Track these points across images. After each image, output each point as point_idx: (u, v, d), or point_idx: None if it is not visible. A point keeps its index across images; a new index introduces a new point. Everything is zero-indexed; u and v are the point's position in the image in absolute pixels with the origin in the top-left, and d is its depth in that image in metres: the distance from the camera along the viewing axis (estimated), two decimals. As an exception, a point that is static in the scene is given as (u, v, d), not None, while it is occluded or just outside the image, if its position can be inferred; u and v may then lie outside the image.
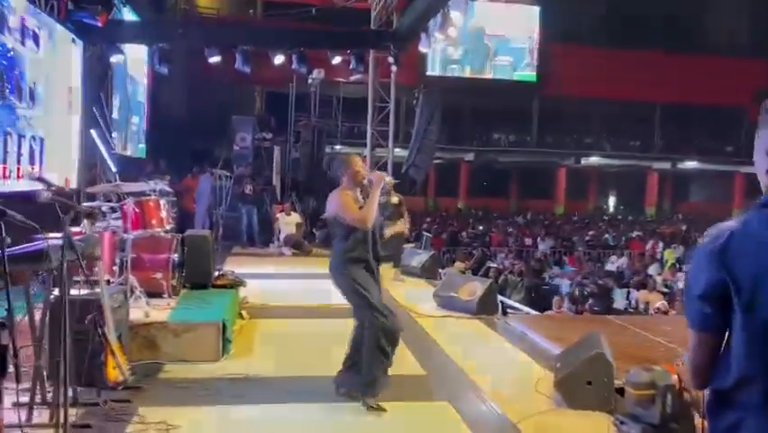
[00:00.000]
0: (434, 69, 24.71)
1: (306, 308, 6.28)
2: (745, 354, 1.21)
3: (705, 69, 25.80)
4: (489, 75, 25.57)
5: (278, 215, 10.82)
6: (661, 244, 15.22)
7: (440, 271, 9.06)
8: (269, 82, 20.23)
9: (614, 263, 13.42)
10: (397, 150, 15.62)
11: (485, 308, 6.16)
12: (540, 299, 9.42)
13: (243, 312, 5.74)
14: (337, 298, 6.68)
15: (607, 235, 17.81)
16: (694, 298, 1.27)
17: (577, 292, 9.06)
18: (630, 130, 27.67)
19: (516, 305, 7.85)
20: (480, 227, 19.36)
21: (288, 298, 6.77)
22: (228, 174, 10.29)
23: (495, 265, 11.38)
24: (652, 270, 11.55)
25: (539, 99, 27.07)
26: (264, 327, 5.50)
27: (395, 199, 7.96)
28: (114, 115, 10.47)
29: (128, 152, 11.62)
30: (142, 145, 12.82)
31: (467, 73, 25.21)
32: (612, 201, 33.31)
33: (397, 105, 13.41)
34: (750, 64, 26.00)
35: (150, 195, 5.17)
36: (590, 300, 8.39)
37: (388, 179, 3.76)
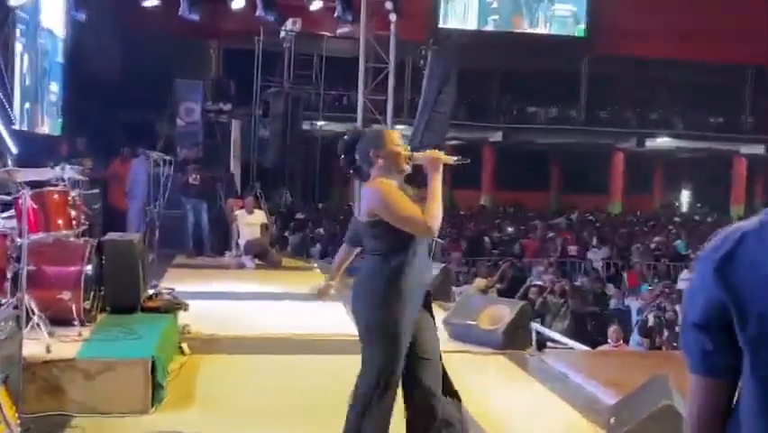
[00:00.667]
0: (448, 21, 24.72)
1: (272, 341, 6.24)
2: (756, 411, 1.16)
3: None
4: (523, 28, 25.59)
5: (237, 212, 10.80)
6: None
7: (454, 289, 9.00)
8: (228, 36, 20.20)
9: (686, 280, 13.35)
10: (398, 126, 15.60)
11: (514, 340, 6.15)
12: (594, 328, 9.37)
13: (184, 346, 5.70)
14: (319, 326, 6.77)
15: (679, 242, 17.76)
16: (689, 327, 1.24)
17: (651, 320, 8.99)
18: (710, 102, 27.70)
19: (558, 336, 7.79)
20: (510, 230, 19.30)
21: (248, 326, 6.71)
22: (169, 158, 10.21)
23: (539, 283, 11.31)
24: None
25: (589, 61, 27.05)
26: (212, 366, 5.45)
27: (410, 192, 7.90)
28: (27, 81, 10.39)
29: (45, 129, 11.54)
30: (61, 120, 12.78)
31: (491, 25, 25.25)
32: (686, 197, 33.33)
33: (398, 68, 13.36)
34: None
35: (56, 185, 5.07)
36: (667, 332, 8.33)
37: (450, 157, 3.33)
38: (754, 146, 27.80)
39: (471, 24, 25.29)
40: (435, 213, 3.14)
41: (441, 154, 3.30)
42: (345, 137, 3.39)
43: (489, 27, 25.50)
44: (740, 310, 1.16)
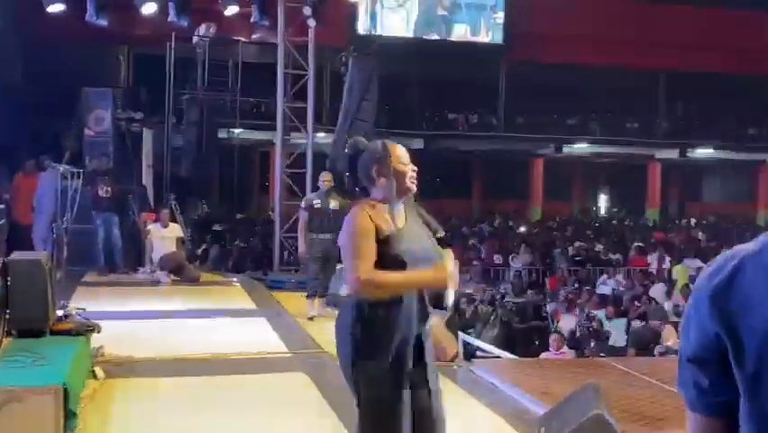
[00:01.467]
0: (368, 27, 24.80)
1: (192, 362, 6.10)
2: None
3: (724, 25, 27.01)
4: (441, 34, 25.90)
5: (151, 226, 10.54)
6: (668, 259, 15.71)
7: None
8: (139, 41, 19.71)
9: (607, 285, 13.71)
10: (319, 135, 15.51)
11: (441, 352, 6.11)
12: (525, 337, 9.47)
13: (98, 370, 5.52)
14: (242, 344, 6.66)
15: (600, 247, 18.26)
16: (684, 362, 1.15)
17: (578, 331, 9.15)
18: (626, 108, 28.60)
19: (488, 347, 7.85)
20: (433, 239, 19.43)
21: (166, 346, 6.52)
22: (77, 170, 9.86)
23: (469, 291, 11.38)
24: (655, 292, 11.86)
25: (506, 67, 27.60)
26: (129, 391, 5.29)
27: (334, 204, 7.88)
28: None
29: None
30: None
31: (412, 31, 25.47)
32: (603, 201, 34.36)
33: (318, 75, 13.28)
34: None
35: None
36: (594, 342, 8.48)
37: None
38: (669, 151, 28.84)
39: (399, 32, 25.44)
40: (383, 281, 2.71)
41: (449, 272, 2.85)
42: (346, 151, 3.06)
43: (410, 34, 25.72)
44: (737, 345, 1.06)
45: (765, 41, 26.67)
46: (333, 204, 7.93)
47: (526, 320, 10.51)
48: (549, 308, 11.20)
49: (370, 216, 2.81)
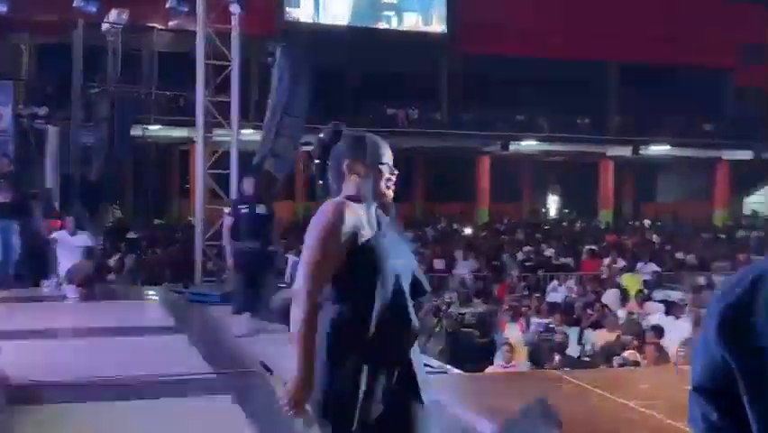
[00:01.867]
0: (301, 14, 24.73)
1: (107, 386, 5.95)
2: None
3: (679, 14, 27.78)
4: (381, 24, 26.01)
5: (57, 234, 10.30)
6: (621, 263, 16.06)
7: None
8: (42, 29, 19.23)
9: (558, 291, 13.92)
10: (245, 131, 15.37)
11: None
12: (474, 350, 9.50)
13: (-5, 397, 5.30)
14: (160, 365, 6.54)
15: (551, 251, 18.55)
16: (692, 392, 1.12)
17: (539, 340, 9.23)
18: (576, 102, 29.14)
19: (433, 361, 7.86)
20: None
21: (76, 369, 6.35)
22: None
23: (436, 302, 11.37)
24: (608, 298, 12.09)
25: (450, 60, 27.85)
26: (34, 419, 5.15)
27: (262, 209, 7.88)
28: None
29: None
30: None
31: (356, 19, 25.51)
32: (554, 202, 34.95)
33: (244, 66, 13.18)
34: (735, 11, 28.36)
35: None
36: (558, 357, 8.57)
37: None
38: (621, 148, 29.51)
39: (342, 20, 25.45)
40: (306, 324, 2.49)
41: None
42: (322, 135, 2.84)
43: (356, 22, 25.74)
44: (749, 377, 1.00)
45: (722, 32, 27.57)
46: (261, 209, 7.88)
47: (475, 331, 10.55)
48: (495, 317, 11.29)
49: (342, 215, 2.55)
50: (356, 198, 2.67)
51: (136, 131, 19.33)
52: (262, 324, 7.90)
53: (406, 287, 2.64)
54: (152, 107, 20.19)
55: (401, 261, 2.66)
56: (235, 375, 6.29)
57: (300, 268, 2.54)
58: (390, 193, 2.77)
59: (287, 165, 12.58)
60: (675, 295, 12.54)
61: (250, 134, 17.27)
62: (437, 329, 9.96)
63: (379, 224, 2.68)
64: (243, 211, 7.89)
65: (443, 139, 27.66)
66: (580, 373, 6.86)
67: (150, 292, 10.85)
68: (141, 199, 22.25)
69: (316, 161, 2.84)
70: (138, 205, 22.40)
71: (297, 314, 2.49)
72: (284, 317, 8.47)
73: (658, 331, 8.63)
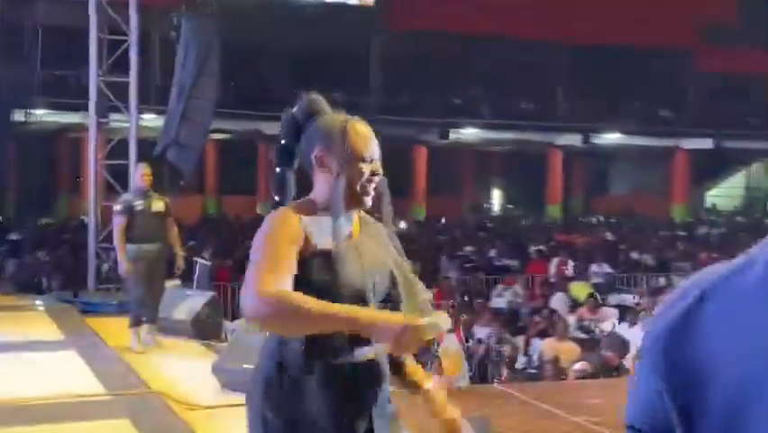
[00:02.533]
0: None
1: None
2: None
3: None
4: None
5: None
6: (571, 264, 16.32)
7: (226, 325, 8.84)
8: None
9: (503, 296, 14.07)
10: (146, 116, 15.12)
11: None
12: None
13: None
14: (52, 385, 6.36)
15: (494, 251, 18.75)
16: (627, 430, 1.07)
17: (482, 351, 9.29)
18: (522, 86, 29.51)
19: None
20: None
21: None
22: None
23: None
24: (556, 303, 12.27)
25: (381, 38, 27.88)
26: None
27: (159, 205, 7.69)
28: None
29: None
30: None
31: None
32: (498, 196, 35.35)
33: (143, 41, 12.98)
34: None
35: None
36: (507, 371, 8.64)
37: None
38: (570, 136, 29.99)
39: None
40: (296, 304, 2.07)
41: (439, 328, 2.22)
42: (294, 109, 2.49)
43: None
44: (685, 413, 0.92)
45: (681, 11, 28.24)
46: (158, 205, 7.76)
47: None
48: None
49: (299, 220, 2.29)
50: (318, 206, 2.35)
51: (18, 116, 18.89)
52: (154, 333, 7.84)
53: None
54: (37, 89, 19.70)
55: (372, 275, 2.37)
56: (133, 397, 6.20)
57: (248, 273, 2.18)
58: (368, 200, 2.38)
59: (193, 155, 12.46)
60: (631, 299, 12.82)
61: (151, 120, 17.00)
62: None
63: (355, 233, 2.40)
64: (138, 209, 7.74)
65: (373, 126, 27.53)
66: (525, 386, 6.95)
67: (36, 302, 10.66)
68: (24, 195, 21.75)
69: (280, 146, 2.47)
70: (21, 201, 21.89)
71: (269, 319, 2.13)
72: (195, 329, 8.41)
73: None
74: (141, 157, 11.82)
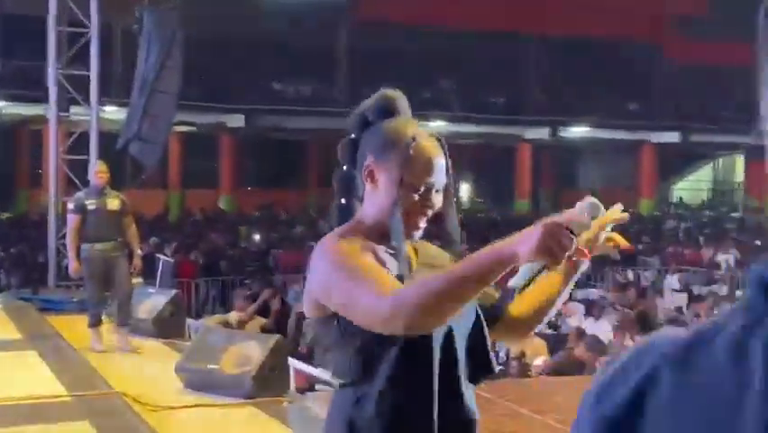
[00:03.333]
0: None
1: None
2: None
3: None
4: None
5: None
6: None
7: (189, 324, 8.82)
8: None
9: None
10: (107, 109, 15.04)
11: (267, 384, 6.16)
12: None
13: None
14: (10, 387, 6.31)
15: (464, 246, 18.80)
16: None
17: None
18: (491, 79, 29.62)
19: (328, 376, 7.90)
20: (258, 239, 19.35)
21: None
22: None
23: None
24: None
25: (349, 30, 27.85)
26: None
27: (114, 203, 7.64)
28: None
29: None
30: None
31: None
32: (467, 189, 35.50)
33: (105, 34, 12.87)
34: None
35: None
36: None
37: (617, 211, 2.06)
38: (539, 129, 30.15)
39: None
40: (428, 290, 1.76)
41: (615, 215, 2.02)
42: (365, 104, 2.21)
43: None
44: None
45: (650, 2, 28.43)
46: (113, 204, 7.70)
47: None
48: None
49: (352, 242, 1.98)
50: (372, 228, 2.03)
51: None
52: (126, 336, 7.78)
53: (462, 360, 2.00)
54: (-3, 79, 19.46)
55: (458, 319, 1.93)
56: (94, 398, 6.18)
57: (350, 299, 1.85)
58: (421, 222, 2.04)
59: (156, 149, 12.39)
60: (596, 293, 12.96)
61: (113, 112, 16.88)
62: None
63: (413, 263, 2.07)
64: (90, 207, 7.68)
65: (340, 120, 27.49)
66: (490, 383, 6.99)
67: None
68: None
69: (347, 140, 2.20)
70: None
71: (411, 318, 1.76)
72: (157, 328, 8.39)
73: (581, 334, 8.84)
74: (104, 151, 11.77)
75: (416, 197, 2.00)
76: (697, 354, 0.77)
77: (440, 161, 2.05)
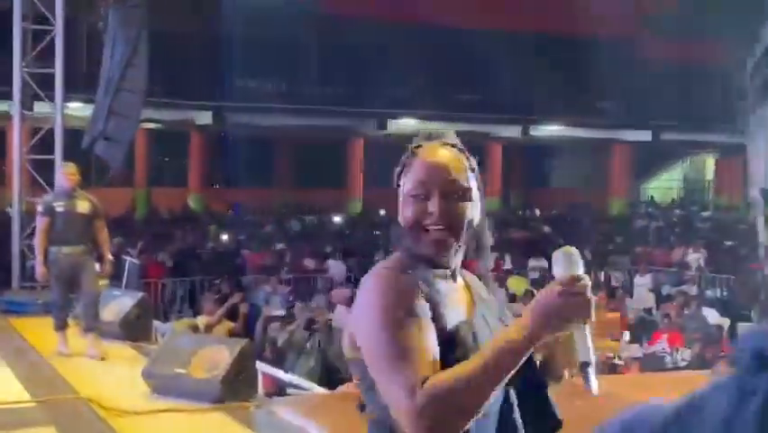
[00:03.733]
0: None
1: None
2: None
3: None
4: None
5: None
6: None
7: (156, 326, 8.81)
8: None
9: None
10: (73, 105, 14.93)
11: (235, 389, 6.19)
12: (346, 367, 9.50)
13: None
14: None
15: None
16: None
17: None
18: (461, 77, 29.65)
19: (301, 381, 7.87)
20: (226, 238, 19.30)
21: None
22: None
23: (280, 314, 11.23)
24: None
25: (319, 25, 27.77)
26: None
27: (84, 206, 7.57)
28: None
29: None
30: None
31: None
32: (437, 189, 35.52)
33: (69, 30, 12.77)
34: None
35: None
36: None
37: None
38: (510, 127, 30.26)
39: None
40: (451, 388, 1.62)
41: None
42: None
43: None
44: None
45: (620, 1, 28.58)
46: (83, 206, 7.64)
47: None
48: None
49: (414, 282, 1.80)
50: (419, 256, 1.87)
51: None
52: (95, 341, 7.73)
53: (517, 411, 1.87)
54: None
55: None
56: (59, 403, 6.15)
57: (380, 379, 1.72)
58: (434, 245, 1.86)
59: (122, 148, 12.33)
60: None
61: (77, 109, 16.79)
62: (309, 345, 9.92)
63: (471, 300, 1.94)
64: (59, 210, 7.61)
65: (310, 117, 27.61)
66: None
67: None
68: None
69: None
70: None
71: (437, 427, 1.62)
72: (123, 331, 8.33)
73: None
74: (69, 148, 11.69)
75: (416, 205, 1.89)
76: (685, 425, 0.78)
77: (437, 161, 1.92)
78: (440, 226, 1.84)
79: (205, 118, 26.68)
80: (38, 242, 7.67)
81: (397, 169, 1.98)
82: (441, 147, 1.96)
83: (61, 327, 7.72)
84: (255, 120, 27.31)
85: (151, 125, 24.82)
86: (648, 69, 30.51)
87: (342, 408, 6.49)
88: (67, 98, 12.67)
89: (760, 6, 18.46)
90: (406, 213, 1.89)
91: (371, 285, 1.80)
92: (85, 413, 5.77)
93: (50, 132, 12.24)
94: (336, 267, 16.40)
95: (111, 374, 7.02)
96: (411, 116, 28.83)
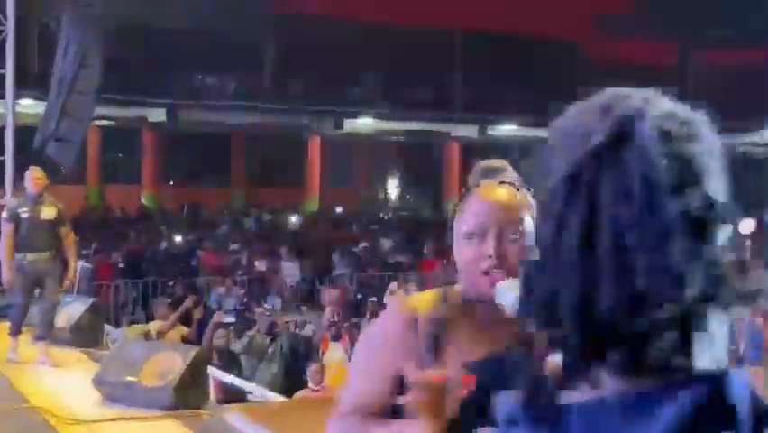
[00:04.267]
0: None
1: None
2: None
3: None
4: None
5: None
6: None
7: (108, 331, 8.77)
8: None
9: (395, 294, 14.22)
10: (24, 102, 14.78)
11: (188, 396, 6.18)
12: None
13: None
14: None
15: (389, 243, 18.91)
16: None
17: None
18: (418, 76, 29.69)
19: (258, 389, 7.88)
20: (179, 240, 19.23)
21: None
22: None
23: (229, 321, 11.08)
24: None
25: (276, 23, 27.69)
26: None
27: (49, 212, 7.51)
28: None
29: None
30: None
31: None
32: (395, 187, 35.57)
33: (20, 30, 12.68)
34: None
35: None
36: None
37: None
38: (467, 127, 30.39)
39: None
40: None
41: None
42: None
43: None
44: None
45: (578, 3, 28.80)
46: (48, 213, 7.57)
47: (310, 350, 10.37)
48: (314, 333, 11.19)
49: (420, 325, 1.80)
50: (471, 294, 1.82)
51: None
52: (47, 349, 7.67)
53: None
54: None
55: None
56: (9, 412, 6.12)
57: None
58: (485, 284, 1.74)
59: (73, 148, 12.22)
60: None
61: (29, 106, 16.67)
62: (270, 351, 9.86)
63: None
64: (23, 216, 7.51)
65: (266, 114, 27.53)
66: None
67: None
68: None
69: None
70: None
71: None
72: (74, 337, 8.27)
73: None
74: (20, 145, 11.59)
75: (471, 246, 1.78)
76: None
77: (493, 201, 1.81)
78: (500, 271, 1.73)
79: (158, 115, 26.50)
80: (4, 248, 7.59)
81: (452, 204, 1.91)
82: (498, 186, 1.85)
83: (17, 333, 7.66)
84: (210, 118, 27.22)
85: (104, 122, 24.63)
86: (600, 70, 30.78)
87: (297, 415, 6.54)
88: (18, 95, 12.56)
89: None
90: (463, 253, 1.80)
91: (387, 307, 2.11)
92: (36, 423, 5.74)
93: (1, 131, 12.14)
94: (290, 268, 16.41)
95: (62, 382, 6.94)
96: (368, 116, 28.87)
